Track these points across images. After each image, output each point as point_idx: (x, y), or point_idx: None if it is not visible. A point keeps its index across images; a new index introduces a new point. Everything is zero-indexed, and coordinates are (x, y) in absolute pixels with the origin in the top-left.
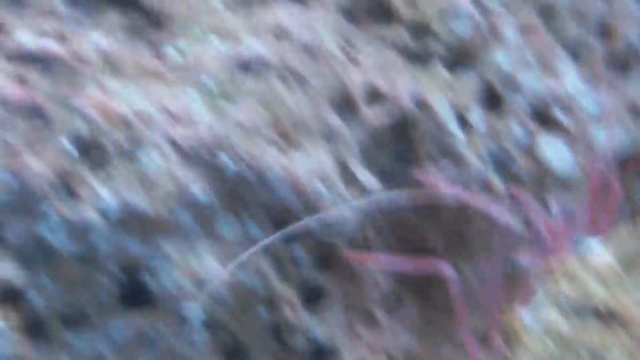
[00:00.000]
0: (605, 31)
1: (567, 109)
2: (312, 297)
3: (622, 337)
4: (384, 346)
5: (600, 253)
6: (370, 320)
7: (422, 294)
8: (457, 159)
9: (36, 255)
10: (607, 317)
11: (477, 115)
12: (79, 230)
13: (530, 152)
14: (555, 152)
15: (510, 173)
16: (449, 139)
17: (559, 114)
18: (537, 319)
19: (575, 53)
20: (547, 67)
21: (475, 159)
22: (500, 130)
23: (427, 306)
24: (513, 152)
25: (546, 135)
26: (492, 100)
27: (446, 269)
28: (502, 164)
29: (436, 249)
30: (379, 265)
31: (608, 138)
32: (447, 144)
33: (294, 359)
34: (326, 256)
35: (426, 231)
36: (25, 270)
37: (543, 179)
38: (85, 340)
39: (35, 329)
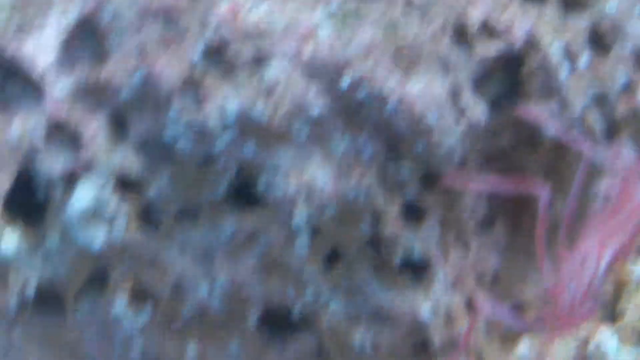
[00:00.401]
0: None
1: None
2: (413, 215)
3: None
4: (474, 266)
5: None
6: (463, 241)
7: (514, 218)
8: (561, 98)
9: (157, 152)
10: None
11: (584, 58)
12: (200, 133)
13: (631, 98)
14: None
15: (611, 117)
16: (555, 78)
17: None
18: None
19: None
20: None
21: (578, 100)
22: (605, 75)
23: (517, 230)
24: (614, 97)
25: None
26: (600, 44)
27: (542, 189)
28: (603, 107)
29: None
30: (477, 187)
31: None
32: (553, 83)
33: (389, 271)
34: (429, 178)
35: (525, 165)
36: (145, 164)
37: None
38: (195, 234)
39: (148, 218)
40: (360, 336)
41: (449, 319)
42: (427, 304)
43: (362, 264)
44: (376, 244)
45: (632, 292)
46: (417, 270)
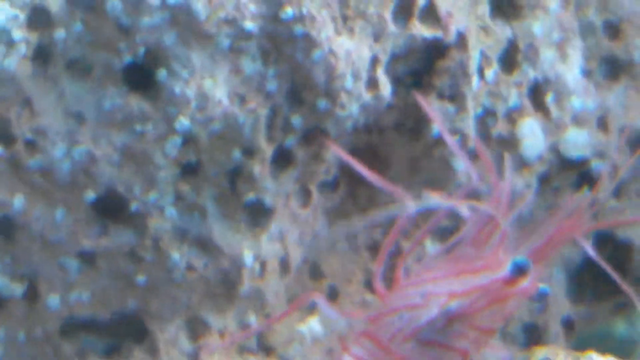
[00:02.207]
0: None
1: None
2: (282, 163)
3: None
4: (308, 224)
5: None
6: (306, 195)
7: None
8: (461, 105)
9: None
10: None
11: (493, 71)
12: (135, 4)
13: (508, 124)
14: None
15: (487, 136)
16: (465, 83)
17: None
18: None
19: None
20: None
21: (473, 111)
22: (500, 94)
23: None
24: (496, 118)
25: None
26: (509, 61)
27: (407, 205)
28: (484, 125)
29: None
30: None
31: None
32: (461, 88)
33: (235, 205)
34: (314, 134)
35: (398, 153)
36: (67, 6)
37: None
38: (79, 91)
39: (44, 57)
40: (179, 252)
41: (265, 272)
42: (253, 250)
43: (214, 188)
44: (237, 175)
45: None
46: (259, 215)
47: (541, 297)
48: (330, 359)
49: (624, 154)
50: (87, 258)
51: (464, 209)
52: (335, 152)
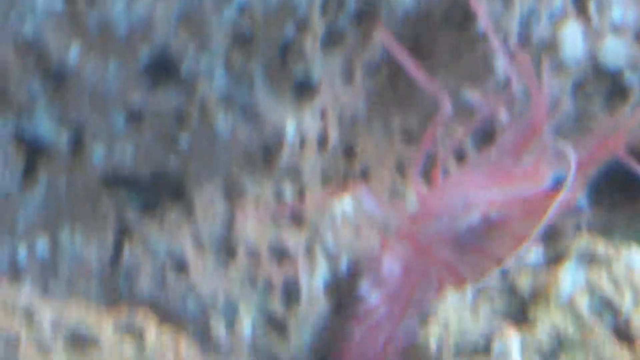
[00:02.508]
0: None
1: None
2: (331, 43)
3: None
4: (347, 103)
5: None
6: (350, 76)
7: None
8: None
9: None
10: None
11: None
12: None
13: None
14: None
15: None
16: None
17: None
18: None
19: None
20: None
21: None
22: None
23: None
24: None
25: None
26: None
27: (443, 99)
28: None
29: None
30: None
31: None
32: None
33: (283, 79)
34: (367, 17)
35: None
36: None
37: None
38: None
39: None
40: (224, 118)
41: (304, 147)
42: (295, 123)
43: (265, 59)
44: (288, 48)
45: (551, 305)
46: (305, 90)
47: (577, 211)
48: (358, 237)
49: None
50: (134, 114)
51: (504, 113)
52: (383, 37)
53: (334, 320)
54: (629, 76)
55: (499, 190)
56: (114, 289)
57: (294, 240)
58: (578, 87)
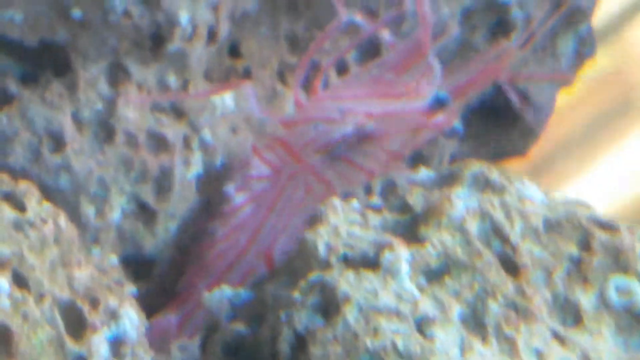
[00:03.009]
0: None
1: None
2: None
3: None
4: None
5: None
6: None
7: None
8: None
9: None
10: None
11: None
12: None
13: None
14: None
15: None
16: None
17: None
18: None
19: None
20: None
21: None
22: None
23: None
24: None
25: None
26: None
27: None
28: None
29: None
30: None
31: None
32: None
33: None
34: None
35: None
36: None
37: None
38: None
39: None
40: None
41: (194, 37)
42: (189, 12)
43: None
44: None
45: (442, 226)
46: None
47: (453, 134)
48: (234, 136)
49: (539, 8)
50: None
51: (387, 33)
52: None
53: (201, 215)
54: (515, 12)
55: (378, 103)
56: None
57: (172, 130)
58: (466, 16)
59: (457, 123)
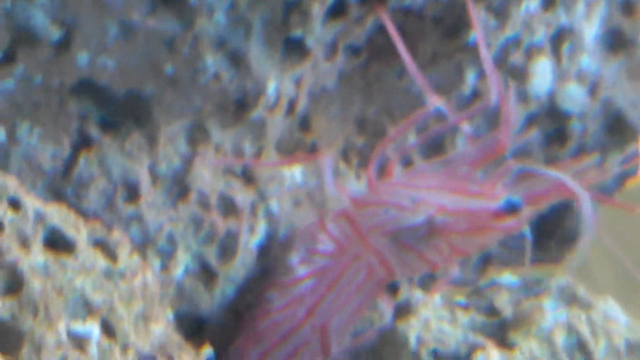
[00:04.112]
0: None
1: None
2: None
3: None
4: (321, 76)
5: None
6: (334, 51)
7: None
8: (505, 17)
9: None
10: None
11: None
12: None
13: None
14: None
15: None
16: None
17: None
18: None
19: None
20: None
21: None
22: None
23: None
24: None
25: None
26: None
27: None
28: None
29: None
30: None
31: None
32: (512, 2)
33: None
34: None
35: None
36: None
37: None
38: None
39: None
40: (213, 57)
41: (276, 107)
42: (277, 82)
43: (268, 11)
44: (294, 7)
45: (531, 334)
46: (297, 53)
47: (520, 239)
48: (299, 209)
49: (594, 123)
50: (129, 30)
51: (467, 127)
52: (386, 20)
53: (258, 284)
54: (575, 123)
55: (451, 198)
56: (60, 197)
57: (241, 195)
58: (530, 122)
59: (526, 230)
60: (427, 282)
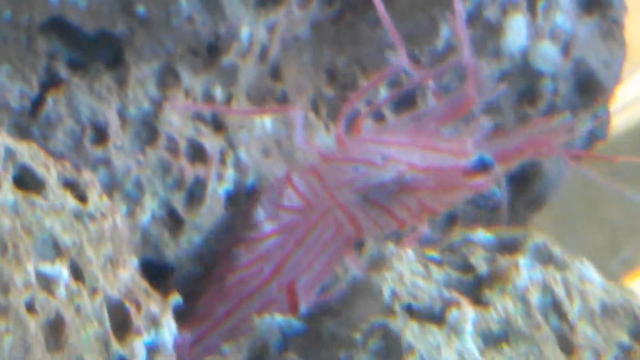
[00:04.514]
0: None
1: None
2: None
3: None
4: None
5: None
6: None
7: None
8: None
9: None
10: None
11: None
12: None
13: None
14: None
15: None
16: None
17: None
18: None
19: None
20: None
21: None
22: None
23: None
24: None
25: None
26: None
27: None
28: None
29: None
30: None
31: None
32: None
33: None
34: None
35: None
36: None
37: None
38: None
39: None
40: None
41: (248, 54)
42: (250, 29)
43: None
44: None
45: (506, 293)
46: (270, 1)
47: (490, 198)
48: (266, 158)
49: (566, 83)
50: None
51: (432, 83)
52: None
53: (225, 233)
54: (546, 83)
55: (421, 155)
56: (27, 137)
57: (211, 142)
58: (502, 79)
59: (495, 189)
60: (395, 240)
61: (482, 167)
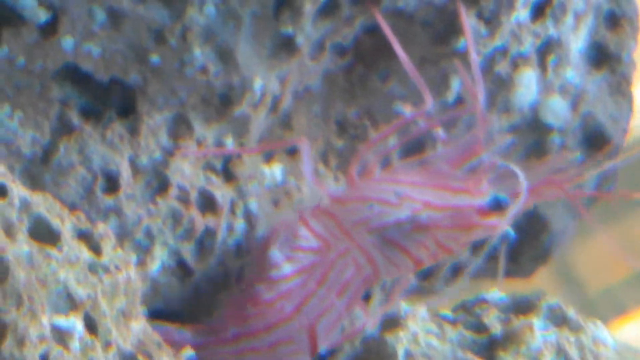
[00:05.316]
0: None
1: None
2: (328, 8)
3: None
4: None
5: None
6: (320, 50)
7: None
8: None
9: None
10: None
11: None
12: None
13: None
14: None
15: None
16: (507, 10)
17: None
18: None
19: None
20: None
21: None
22: None
23: None
24: None
25: None
26: None
27: None
28: None
29: None
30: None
31: None
32: (502, 12)
33: None
34: None
35: None
36: None
37: None
38: None
39: None
40: (201, 50)
41: (260, 105)
42: (263, 80)
43: (259, 7)
44: (285, 3)
45: (520, 353)
46: (286, 51)
47: (505, 239)
48: (276, 209)
49: (574, 137)
50: (116, 16)
51: (441, 131)
52: (380, 20)
53: (236, 282)
54: (555, 137)
55: (436, 194)
56: (38, 184)
57: (221, 192)
58: (511, 133)
59: (510, 229)
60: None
61: (497, 205)
